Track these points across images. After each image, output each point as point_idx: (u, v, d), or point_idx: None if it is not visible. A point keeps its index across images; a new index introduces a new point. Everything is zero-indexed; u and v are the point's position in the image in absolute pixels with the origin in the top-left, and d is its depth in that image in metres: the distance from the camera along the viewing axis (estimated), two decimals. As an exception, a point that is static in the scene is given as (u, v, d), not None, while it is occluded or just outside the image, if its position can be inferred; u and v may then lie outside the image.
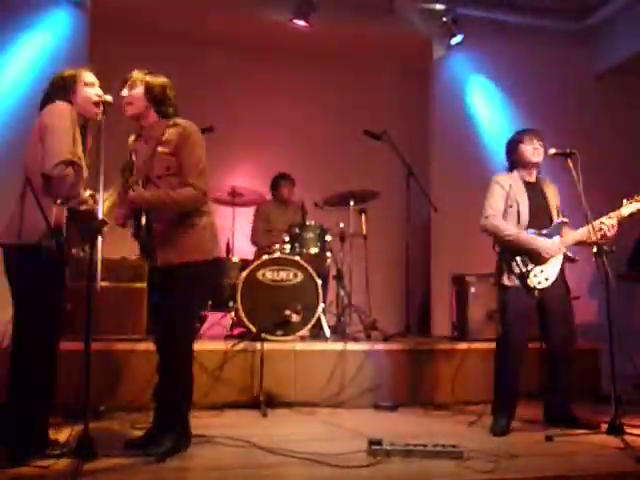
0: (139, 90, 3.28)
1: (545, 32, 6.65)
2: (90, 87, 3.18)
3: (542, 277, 3.90)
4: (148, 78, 3.30)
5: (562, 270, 3.99)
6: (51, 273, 3.00)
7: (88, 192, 3.14)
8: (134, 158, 3.32)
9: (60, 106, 3.04)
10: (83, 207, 3.03)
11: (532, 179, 4.09)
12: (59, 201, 2.95)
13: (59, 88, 3.13)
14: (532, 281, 3.88)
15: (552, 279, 3.91)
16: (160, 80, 3.34)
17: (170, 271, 3.23)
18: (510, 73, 6.58)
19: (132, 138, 3.40)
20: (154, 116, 3.31)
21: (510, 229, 3.93)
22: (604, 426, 3.63)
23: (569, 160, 3.83)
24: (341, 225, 5.65)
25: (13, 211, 3.02)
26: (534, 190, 4.05)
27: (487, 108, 6.64)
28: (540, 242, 3.88)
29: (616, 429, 3.51)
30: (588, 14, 6.79)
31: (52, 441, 3.13)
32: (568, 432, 3.73)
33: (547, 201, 4.07)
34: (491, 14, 6.59)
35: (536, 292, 3.90)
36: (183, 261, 3.22)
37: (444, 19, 6.26)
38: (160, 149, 3.24)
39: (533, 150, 4.01)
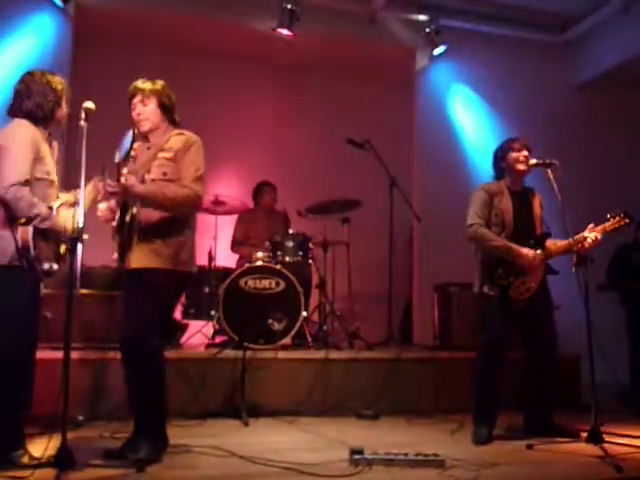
0: (152, 105, 3.36)
1: (527, 44, 6.73)
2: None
3: (523, 288, 3.92)
4: (157, 89, 3.37)
5: (544, 280, 4.02)
6: (24, 291, 3.04)
7: (59, 202, 3.15)
8: (133, 154, 3.30)
9: (19, 127, 3.09)
10: (47, 224, 3.01)
11: (518, 188, 4.10)
12: (22, 221, 2.96)
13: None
14: (514, 292, 3.91)
15: (533, 290, 3.94)
16: (166, 89, 3.41)
17: (139, 275, 3.19)
18: (492, 84, 6.65)
19: (131, 134, 3.33)
20: (165, 125, 3.41)
21: (495, 238, 3.93)
22: (584, 434, 3.66)
23: (549, 170, 3.87)
24: (323, 234, 5.66)
25: None
26: (519, 199, 4.07)
27: (470, 118, 6.69)
28: (524, 252, 3.89)
29: (596, 437, 3.54)
30: (569, 26, 6.89)
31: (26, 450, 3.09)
32: (548, 440, 3.75)
33: (532, 211, 4.09)
34: (474, 25, 6.65)
35: (519, 302, 3.92)
36: (155, 267, 3.19)
37: (427, 30, 6.31)
38: (161, 154, 3.30)
39: (522, 158, 4.03)
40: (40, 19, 5.62)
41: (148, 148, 3.37)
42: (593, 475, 3.12)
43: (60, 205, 3.14)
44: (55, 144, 3.34)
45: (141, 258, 3.20)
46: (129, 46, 6.41)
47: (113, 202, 3.32)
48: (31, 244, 2.94)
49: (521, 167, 4.04)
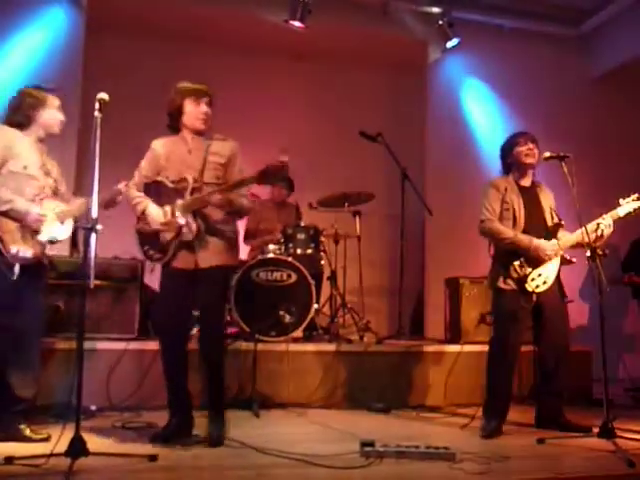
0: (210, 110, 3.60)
1: (541, 36, 6.68)
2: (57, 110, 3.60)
3: (540, 280, 3.90)
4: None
5: (558, 273, 4.00)
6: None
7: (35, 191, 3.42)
8: (163, 162, 3.54)
9: None
10: (5, 207, 3.31)
11: (527, 183, 4.10)
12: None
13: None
14: (530, 285, 3.88)
15: (550, 282, 3.93)
16: None
17: (215, 273, 3.45)
18: (505, 77, 6.60)
19: (161, 143, 3.60)
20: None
21: (508, 231, 3.94)
22: (595, 429, 3.64)
23: (563, 164, 3.85)
24: (335, 226, 5.66)
25: None
26: (528, 194, 4.07)
27: (482, 111, 6.66)
28: (539, 243, 3.89)
29: (607, 432, 3.51)
30: (584, 19, 6.83)
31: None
32: (559, 435, 3.74)
33: (541, 205, 4.08)
34: (487, 18, 6.61)
35: (534, 296, 3.91)
36: (228, 264, 3.54)
37: (440, 22, 6.27)
38: (211, 158, 3.51)
39: (527, 151, 4.02)
40: (52, 10, 5.64)
41: (190, 152, 3.55)
42: (605, 470, 3.10)
43: (42, 197, 3.42)
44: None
45: (216, 256, 3.46)
46: (141, 36, 6.41)
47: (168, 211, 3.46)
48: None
49: (528, 160, 4.03)
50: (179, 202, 3.41)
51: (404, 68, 6.88)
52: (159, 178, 3.55)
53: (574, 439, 3.65)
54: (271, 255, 5.09)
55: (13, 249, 3.27)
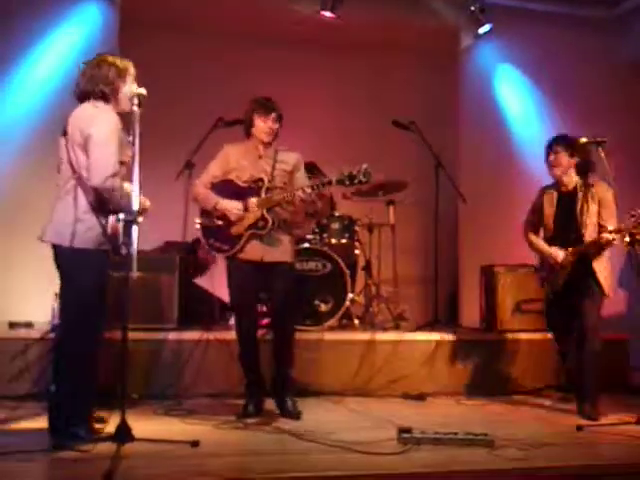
0: None
1: (574, 20, 6.55)
2: (132, 81, 3.27)
3: (556, 282, 4.21)
4: None
5: (584, 271, 4.06)
6: (106, 273, 3.22)
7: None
8: (234, 164, 3.91)
9: (104, 114, 3.13)
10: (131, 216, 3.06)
11: (568, 188, 4.22)
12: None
13: (104, 82, 3.19)
14: (547, 287, 4.36)
15: (559, 285, 4.19)
16: None
17: (286, 267, 3.84)
18: (539, 62, 6.50)
19: (233, 147, 3.99)
20: None
21: (532, 240, 4.37)
22: (632, 417, 3.62)
23: (599, 149, 3.82)
24: (369, 216, 5.67)
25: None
26: (566, 200, 4.20)
27: (515, 98, 6.55)
28: (549, 251, 4.20)
29: (647, 420, 3.50)
30: (619, 1, 6.69)
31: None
32: (599, 423, 3.73)
33: (577, 211, 4.13)
34: (519, 3, 6.50)
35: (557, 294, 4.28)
36: (283, 260, 3.84)
37: (472, 8, 6.20)
38: (279, 166, 3.92)
39: (552, 162, 4.23)
40: (87, 8, 5.71)
41: (260, 157, 3.94)
42: (644, 457, 3.10)
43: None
44: None
45: (280, 253, 3.83)
46: (176, 31, 6.47)
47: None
48: (120, 232, 3.05)
49: (552, 172, 4.25)
50: (254, 199, 3.79)
51: (436, 56, 6.83)
52: (230, 177, 3.91)
53: (613, 427, 3.63)
54: (306, 245, 5.14)
55: (124, 250, 3.05)
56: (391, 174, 5.69)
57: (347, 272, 5.05)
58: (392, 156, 6.58)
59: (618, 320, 5.50)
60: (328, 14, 5.96)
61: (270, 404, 3.92)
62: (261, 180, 3.84)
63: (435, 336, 4.97)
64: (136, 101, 3.12)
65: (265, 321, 5.20)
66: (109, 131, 3.08)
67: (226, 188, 3.89)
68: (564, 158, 4.16)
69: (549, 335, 4.60)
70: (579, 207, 4.13)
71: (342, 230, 5.42)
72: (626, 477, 2.97)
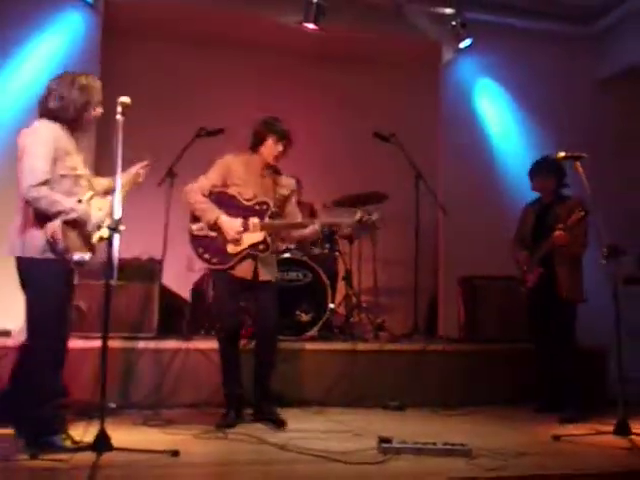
0: None
1: (553, 36, 6.66)
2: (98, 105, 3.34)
3: (524, 286, 4.62)
4: None
5: (547, 276, 4.39)
6: (56, 281, 3.15)
7: (89, 194, 3.22)
8: (236, 180, 3.94)
9: (40, 127, 3.17)
10: (72, 216, 3.10)
11: (547, 200, 4.62)
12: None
13: (74, 106, 3.24)
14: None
15: (528, 287, 4.59)
16: None
17: (272, 285, 3.95)
18: (518, 77, 6.60)
19: (235, 159, 4.00)
20: None
21: (513, 249, 4.71)
22: (610, 427, 3.67)
23: (577, 163, 3.88)
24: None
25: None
26: (544, 212, 4.58)
27: (495, 111, 6.66)
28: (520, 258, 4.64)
29: (623, 430, 3.55)
30: (595, 19, 6.81)
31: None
32: (575, 432, 3.78)
33: (551, 222, 4.41)
34: (500, 18, 6.60)
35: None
36: (274, 279, 3.99)
37: (453, 23, 6.28)
38: (279, 190, 4.04)
39: (534, 190, 4.71)
40: (69, 15, 5.68)
41: (262, 175, 4.01)
42: (619, 466, 3.14)
43: (91, 197, 3.21)
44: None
45: (272, 272, 3.98)
46: (159, 40, 6.47)
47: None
48: (59, 237, 3.05)
49: (536, 191, 4.70)
50: (256, 220, 3.85)
51: (417, 69, 6.90)
52: (232, 192, 3.93)
53: (590, 436, 3.68)
54: (287, 255, 5.15)
55: (76, 256, 3.12)
56: (371, 185, 5.74)
57: (327, 282, 5.07)
58: (372, 168, 6.62)
59: (596, 331, 5.56)
60: (311, 26, 6.00)
61: (250, 413, 3.92)
62: (266, 204, 3.91)
63: (415, 346, 4.99)
64: (119, 109, 3.12)
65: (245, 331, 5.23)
66: (39, 142, 3.11)
67: (227, 202, 3.90)
68: (543, 182, 4.60)
69: (528, 345, 4.68)
70: (553, 217, 4.40)
71: (323, 240, 5.44)
72: (602, 486, 3.01)
